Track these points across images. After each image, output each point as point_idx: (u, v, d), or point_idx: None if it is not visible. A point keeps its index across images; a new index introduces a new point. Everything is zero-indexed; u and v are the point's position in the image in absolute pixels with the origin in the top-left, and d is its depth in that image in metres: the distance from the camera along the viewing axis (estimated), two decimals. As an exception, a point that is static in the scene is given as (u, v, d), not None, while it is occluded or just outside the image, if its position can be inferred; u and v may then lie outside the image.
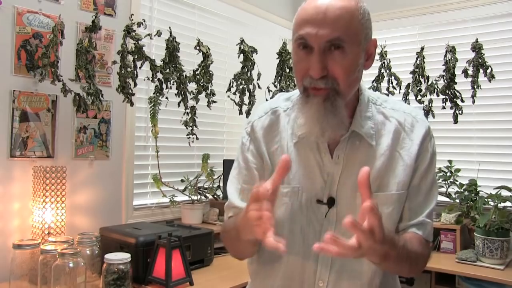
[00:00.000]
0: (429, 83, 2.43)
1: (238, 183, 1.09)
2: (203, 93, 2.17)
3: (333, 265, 0.99)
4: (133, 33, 1.90)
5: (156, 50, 2.32)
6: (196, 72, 2.15)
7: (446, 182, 2.51)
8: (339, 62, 0.90)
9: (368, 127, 0.99)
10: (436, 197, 1.03)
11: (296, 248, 1.01)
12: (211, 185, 2.47)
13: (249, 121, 1.13)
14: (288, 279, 1.03)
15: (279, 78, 2.51)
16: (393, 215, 0.98)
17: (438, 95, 2.41)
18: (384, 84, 2.55)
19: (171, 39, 2.04)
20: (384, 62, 2.56)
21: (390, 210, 0.97)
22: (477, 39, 2.36)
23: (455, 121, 2.39)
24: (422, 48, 2.46)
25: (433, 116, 2.39)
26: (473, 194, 2.40)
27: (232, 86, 2.34)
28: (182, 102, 2.09)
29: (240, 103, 2.35)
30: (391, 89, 2.52)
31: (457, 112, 2.38)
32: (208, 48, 2.18)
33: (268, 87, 2.47)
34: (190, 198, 2.36)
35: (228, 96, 2.34)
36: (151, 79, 2.00)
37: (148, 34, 1.97)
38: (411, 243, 0.94)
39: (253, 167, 1.08)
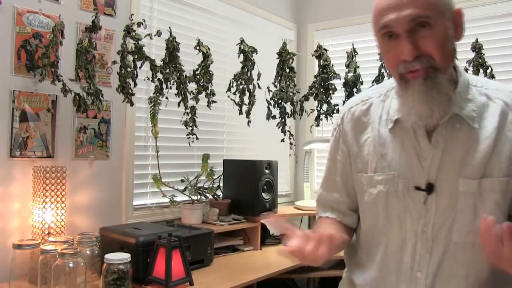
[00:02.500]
0: (429, 83, 2.43)
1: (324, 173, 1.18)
2: (203, 93, 2.16)
3: (433, 255, 0.95)
4: (133, 33, 1.90)
5: (156, 50, 2.32)
6: (196, 72, 2.15)
7: None
8: (429, 38, 0.88)
9: (470, 109, 0.95)
10: None
11: (393, 237, 1.00)
12: (211, 185, 2.47)
13: (340, 112, 1.17)
14: (385, 269, 1.02)
15: (279, 78, 2.51)
16: (500, 203, 0.92)
17: (438, 95, 2.40)
18: (384, 84, 2.55)
19: (171, 39, 2.04)
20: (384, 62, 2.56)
21: (498, 197, 0.92)
22: (477, 39, 2.36)
23: (455, 121, 2.38)
24: (422, 48, 2.45)
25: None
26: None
27: (232, 86, 2.34)
28: (182, 102, 2.09)
29: (240, 103, 2.35)
30: (391, 89, 2.52)
31: (457, 112, 2.38)
32: (208, 48, 2.18)
33: (268, 87, 2.47)
34: (190, 198, 2.36)
35: (228, 96, 2.34)
36: (151, 79, 2.00)
37: (148, 34, 1.97)
38: None
39: (338, 159, 1.12)
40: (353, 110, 1.11)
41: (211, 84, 2.19)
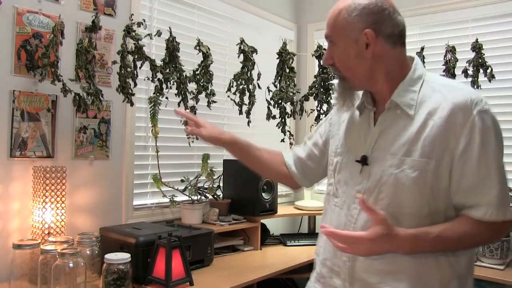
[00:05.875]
0: (429, 83, 2.43)
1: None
2: (203, 93, 2.16)
3: (359, 218, 1.12)
4: (133, 33, 1.90)
5: (156, 50, 2.32)
6: (196, 72, 2.15)
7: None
8: (335, 53, 1.16)
9: (408, 98, 1.10)
10: (495, 177, 1.01)
11: (338, 200, 1.20)
12: (211, 185, 2.47)
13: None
14: (336, 221, 1.19)
15: (279, 78, 2.51)
16: (419, 182, 1.03)
17: (438, 95, 2.41)
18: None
19: (171, 39, 2.04)
20: (384, 62, 2.56)
21: (416, 175, 1.03)
22: (477, 39, 2.36)
23: (455, 121, 2.38)
24: (422, 48, 2.46)
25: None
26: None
27: (232, 86, 2.33)
28: (182, 102, 2.09)
29: (240, 103, 2.35)
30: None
31: (457, 112, 2.38)
32: (208, 48, 2.18)
33: (268, 87, 2.47)
34: (190, 198, 2.36)
35: (228, 96, 2.34)
36: (151, 79, 2.00)
37: (148, 34, 1.97)
38: (454, 227, 1.02)
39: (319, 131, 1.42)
40: None
41: (211, 84, 2.19)
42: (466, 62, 2.35)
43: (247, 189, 2.42)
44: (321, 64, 2.54)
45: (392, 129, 1.11)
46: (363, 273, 1.10)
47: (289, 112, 2.58)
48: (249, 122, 2.38)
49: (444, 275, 1.05)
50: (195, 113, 2.16)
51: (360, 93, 1.24)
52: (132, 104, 1.94)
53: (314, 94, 2.53)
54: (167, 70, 2.02)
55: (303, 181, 1.45)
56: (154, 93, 2.04)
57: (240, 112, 2.37)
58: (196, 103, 2.16)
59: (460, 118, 1.02)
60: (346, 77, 1.16)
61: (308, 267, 1.81)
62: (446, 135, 1.02)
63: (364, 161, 1.13)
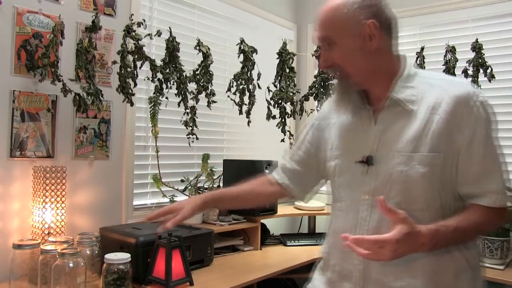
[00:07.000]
0: (429, 83, 2.43)
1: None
2: (203, 93, 2.16)
3: (371, 219, 1.09)
4: (133, 33, 1.90)
5: (156, 50, 2.32)
6: (196, 72, 2.15)
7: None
8: (336, 53, 1.11)
9: (408, 94, 1.10)
10: (498, 165, 1.05)
11: (343, 203, 1.17)
12: (211, 185, 2.47)
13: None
14: (336, 234, 1.14)
15: (279, 78, 2.51)
16: (429, 176, 1.03)
17: (438, 95, 2.41)
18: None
19: (171, 39, 2.04)
20: (384, 62, 2.56)
21: (426, 170, 1.03)
22: (477, 39, 2.36)
23: (455, 121, 2.39)
24: (422, 48, 2.46)
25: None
26: (473, 194, 2.40)
27: (232, 86, 2.33)
28: (182, 102, 2.09)
29: (240, 103, 2.35)
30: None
31: (457, 112, 2.38)
32: (208, 48, 2.18)
33: (268, 87, 2.47)
34: (190, 198, 2.36)
35: (228, 96, 2.34)
36: (151, 79, 2.00)
37: (148, 34, 1.97)
38: (469, 217, 1.03)
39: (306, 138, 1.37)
40: (327, 102, 1.41)
41: (211, 84, 2.19)
42: (466, 62, 2.35)
43: (247, 189, 2.41)
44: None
45: (395, 126, 1.09)
46: (377, 273, 1.07)
47: (289, 112, 2.58)
48: (249, 122, 2.38)
49: (459, 267, 1.06)
50: (195, 113, 2.16)
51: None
52: (132, 104, 1.94)
53: (314, 94, 2.53)
54: (167, 70, 2.02)
55: (296, 191, 1.39)
56: (154, 93, 2.04)
57: (240, 112, 2.37)
58: (196, 103, 2.16)
59: (464, 111, 1.03)
60: (348, 75, 1.13)
61: (308, 267, 1.80)
62: (452, 128, 1.03)
63: (370, 160, 1.10)
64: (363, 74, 1.12)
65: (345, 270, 1.14)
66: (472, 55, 2.35)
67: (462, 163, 1.04)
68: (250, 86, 2.36)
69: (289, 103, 2.52)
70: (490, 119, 1.07)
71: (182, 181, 2.39)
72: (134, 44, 1.90)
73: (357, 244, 0.95)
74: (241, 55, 2.34)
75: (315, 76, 2.55)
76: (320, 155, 1.31)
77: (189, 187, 2.37)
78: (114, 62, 1.92)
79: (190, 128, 2.14)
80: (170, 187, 2.32)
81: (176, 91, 2.08)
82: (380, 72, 1.12)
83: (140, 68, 1.94)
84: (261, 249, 2.40)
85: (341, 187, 1.19)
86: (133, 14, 1.98)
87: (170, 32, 2.04)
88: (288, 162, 1.40)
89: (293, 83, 2.51)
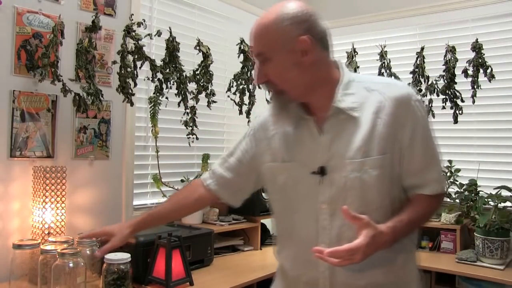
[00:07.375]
0: (429, 83, 2.43)
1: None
2: (203, 93, 2.17)
3: (332, 227, 1.10)
4: (133, 33, 1.90)
5: (156, 50, 2.32)
6: (196, 72, 2.15)
7: (446, 182, 2.51)
8: (270, 69, 1.10)
9: (350, 102, 1.11)
10: (436, 157, 1.14)
11: (301, 216, 1.16)
12: (211, 185, 2.47)
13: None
14: (298, 245, 1.17)
15: (279, 78, 2.51)
16: (381, 177, 1.07)
17: (438, 95, 2.41)
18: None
19: (171, 39, 2.04)
20: (384, 62, 2.56)
21: (378, 172, 1.07)
22: (477, 39, 2.36)
23: (455, 121, 2.39)
24: (422, 48, 2.46)
25: (433, 116, 2.40)
26: (473, 194, 2.40)
27: (232, 86, 2.34)
28: (182, 102, 2.09)
29: (240, 103, 2.35)
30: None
31: (457, 112, 2.38)
32: (208, 48, 2.18)
33: (268, 87, 2.47)
34: (190, 198, 2.35)
35: (228, 96, 2.34)
36: (151, 79, 2.00)
37: (148, 34, 1.97)
38: (416, 208, 1.09)
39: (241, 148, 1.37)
40: (265, 113, 1.37)
41: (211, 84, 2.19)
42: (466, 62, 2.36)
43: (247, 189, 2.41)
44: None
45: (343, 134, 1.11)
46: (343, 277, 1.10)
47: (289, 112, 2.57)
48: (249, 122, 2.38)
49: (407, 251, 1.15)
50: (195, 113, 2.16)
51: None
52: (132, 104, 1.94)
53: (314, 94, 2.53)
54: (167, 70, 2.02)
55: (225, 196, 1.38)
56: (154, 93, 2.04)
57: (240, 112, 2.37)
58: (196, 103, 2.16)
59: (402, 111, 1.08)
60: (283, 91, 1.12)
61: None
62: (394, 128, 1.08)
63: (322, 171, 1.11)
64: (300, 88, 1.12)
65: (312, 279, 1.14)
66: (472, 55, 2.35)
67: (405, 159, 1.09)
68: (250, 86, 2.36)
69: (289, 103, 2.52)
70: (425, 115, 1.13)
71: (182, 181, 2.39)
72: (134, 44, 1.90)
73: (332, 256, 0.98)
74: (241, 55, 2.34)
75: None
76: (254, 165, 1.29)
77: (189, 187, 2.37)
78: (114, 62, 1.91)
79: (190, 128, 2.14)
80: (170, 187, 2.32)
81: (176, 91, 2.08)
82: (318, 83, 1.12)
83: (140, 68, 1.94)
84: (261, 249, 2.40)
85: (295, 199, 1.17)
86: (133, 14, 1.98)
87: (170, 32, 2.04)
88: (219, 167, 1.38)
89: (293, 83, 2.51)
